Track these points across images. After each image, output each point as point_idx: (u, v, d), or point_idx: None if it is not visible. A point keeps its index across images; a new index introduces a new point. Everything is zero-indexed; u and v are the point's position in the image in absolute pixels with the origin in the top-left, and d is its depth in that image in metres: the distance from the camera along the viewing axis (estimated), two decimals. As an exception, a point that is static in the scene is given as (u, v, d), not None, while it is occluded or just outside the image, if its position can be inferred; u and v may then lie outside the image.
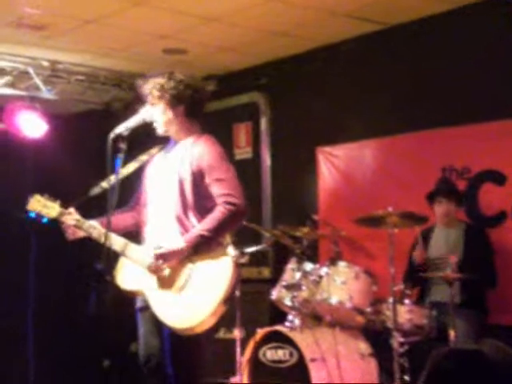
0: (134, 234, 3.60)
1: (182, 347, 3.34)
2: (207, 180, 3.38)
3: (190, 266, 3.35)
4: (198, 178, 3.40)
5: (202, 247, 3.34)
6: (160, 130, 3.52)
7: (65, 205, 3.59)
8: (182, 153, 3.49)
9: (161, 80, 3.47)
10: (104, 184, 3.53)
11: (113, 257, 3.38)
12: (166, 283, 3.36)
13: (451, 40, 5.59)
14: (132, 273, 3.44)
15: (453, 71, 5.59)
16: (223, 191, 3.34)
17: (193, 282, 3.33)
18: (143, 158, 3.66)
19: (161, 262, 3.32)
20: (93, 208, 3.56)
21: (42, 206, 3.57)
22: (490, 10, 5.35)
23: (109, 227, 3.31)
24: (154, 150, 3.66)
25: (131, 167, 3.62)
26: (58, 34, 6.09)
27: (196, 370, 3.38)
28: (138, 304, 3.53)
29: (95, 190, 3.56)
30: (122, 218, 3.64)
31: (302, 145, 6.58)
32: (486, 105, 5.37)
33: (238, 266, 3.46)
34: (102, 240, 3.37)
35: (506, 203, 5.23)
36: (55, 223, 3.58)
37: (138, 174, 3.67)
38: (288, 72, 6.71)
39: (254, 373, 4.89)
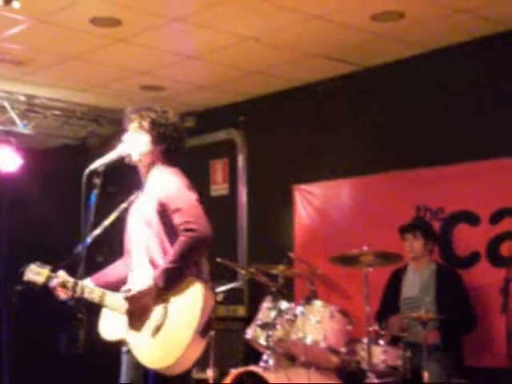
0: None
1: None
2: (169, 213, 3.35)
3: (163, 304, 3.31)
4: (164, 213, 3.36)
5: (172, 281, 3.27)
6: (134, 157, 3.50)
7: (55, 264, 3.56)
8: (147, 193, 3.48)
9: (153, 114, 3.47)
10: (88, 240, 3.48)
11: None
12: (143, 326, 3.32)
13: (425, 82, 5.67)
14: (113, 323, 3.40)
15: (427, 112, 5.66)
16: (181, 220, 3.27)
17: (168, 320, 3.28)
18: (123, 206, 3.63)
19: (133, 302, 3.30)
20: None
21: (35, 275, 3.55)
22: (462, 53, 5.45)
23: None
24: (132, 197, 3.63)
25: (112, 217, 3.59)
26: (37, 69, 6.09)
27: None
28: (124, 348, 3.48)
29: (80, 248, 3.50)
30: (113, 269, 3.63)
31: (278, 182, 6.60)
32: (461, 146, 5.44)
33: (210, 291, 3.33)
34: (81, 293, 3.39)
35: (479, 244, 5.26)
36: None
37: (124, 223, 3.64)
38: (265, 110, 6.76)
39: (226, 414, 4.81)
